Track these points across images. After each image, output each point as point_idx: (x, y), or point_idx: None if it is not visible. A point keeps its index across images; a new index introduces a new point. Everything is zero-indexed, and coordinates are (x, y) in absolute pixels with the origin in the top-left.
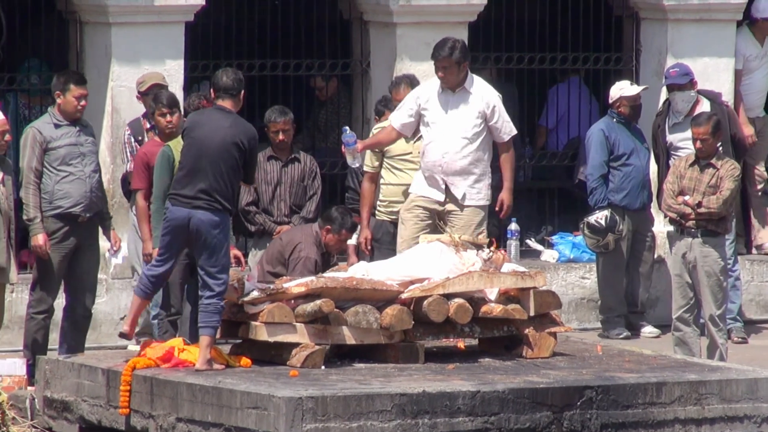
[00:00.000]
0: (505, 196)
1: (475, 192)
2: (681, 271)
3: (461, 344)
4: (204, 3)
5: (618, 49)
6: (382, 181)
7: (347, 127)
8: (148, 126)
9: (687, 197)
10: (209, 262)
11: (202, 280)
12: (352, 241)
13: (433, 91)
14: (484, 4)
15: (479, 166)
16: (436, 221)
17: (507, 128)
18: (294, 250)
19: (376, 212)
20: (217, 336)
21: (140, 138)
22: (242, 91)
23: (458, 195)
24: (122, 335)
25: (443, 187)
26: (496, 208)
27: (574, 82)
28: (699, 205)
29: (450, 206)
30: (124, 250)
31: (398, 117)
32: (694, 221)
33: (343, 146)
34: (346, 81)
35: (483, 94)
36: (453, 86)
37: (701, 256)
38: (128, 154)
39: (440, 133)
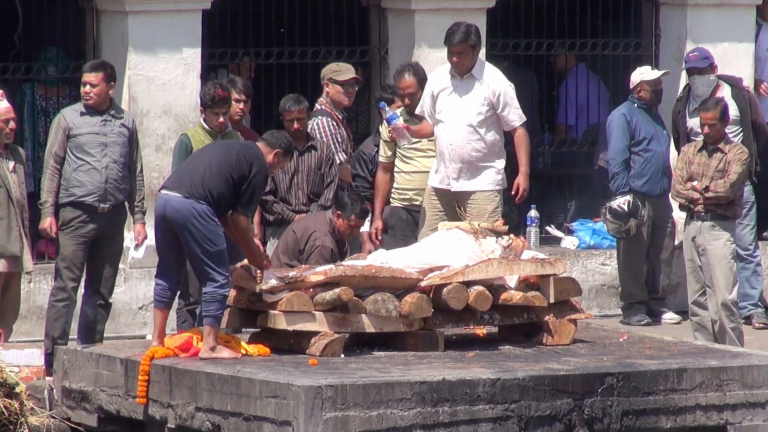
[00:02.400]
0: (521, 180)
1: (484, 178)
2: (692, 256)
3: (480, 332)
4: None
5: (637, 34)
6: (396, 169)
7: (384, 102)
8: (340, 117)
9: (695, 182)
10: (197, 251)
11: (197, 273)
12: (365, 229)
13: (444, 78)
14: None
15: (488, 153)
16: (456, 208)
17: (514, 116)
18: (309, 239)
19: (391, 199)
20: (225, 324)
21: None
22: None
23: (468, 181)
24: None
25: (454, 174)
26: (512, 193)
27: (581, 70)
28: (707, 189)
29: (461, 194)
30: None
31: (428, 115)
32: (702, 206)
33: (390, 128)
34: (364, 68)
35: (490, 82)
36: (463, 72)
37: (711, 239)
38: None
39: (448, 120)
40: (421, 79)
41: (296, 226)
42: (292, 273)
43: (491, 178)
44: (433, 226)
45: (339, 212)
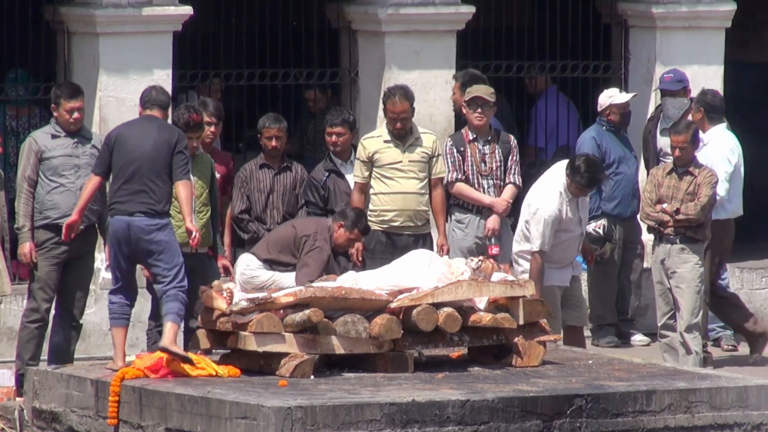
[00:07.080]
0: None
1: None
2: (661, 278)
3: (455, 354)
4: (192, 12)
5: (607, 56)
6: (372, 190)
7: (490, 241)
8: (470, 137)
9: (665, 205)
10: (160, 262)
11: (156, 282)
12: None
13: None
14: (472, 13)
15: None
16: None
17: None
18: (310, 239)
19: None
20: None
21: (462, 149)
22: (169, 105)
23: None
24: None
25: None
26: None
27: (552, 93)
28: (677, 212)
29: None
30: None
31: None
32: (672, 228)
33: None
34: (335, 90)
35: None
36: None
37: (680, 262)
38: (449, 164)
39: None
40: (412, 102)
41: (297, 223)
42: (261, 294)
43: None
44: None
45: (342, 222)
